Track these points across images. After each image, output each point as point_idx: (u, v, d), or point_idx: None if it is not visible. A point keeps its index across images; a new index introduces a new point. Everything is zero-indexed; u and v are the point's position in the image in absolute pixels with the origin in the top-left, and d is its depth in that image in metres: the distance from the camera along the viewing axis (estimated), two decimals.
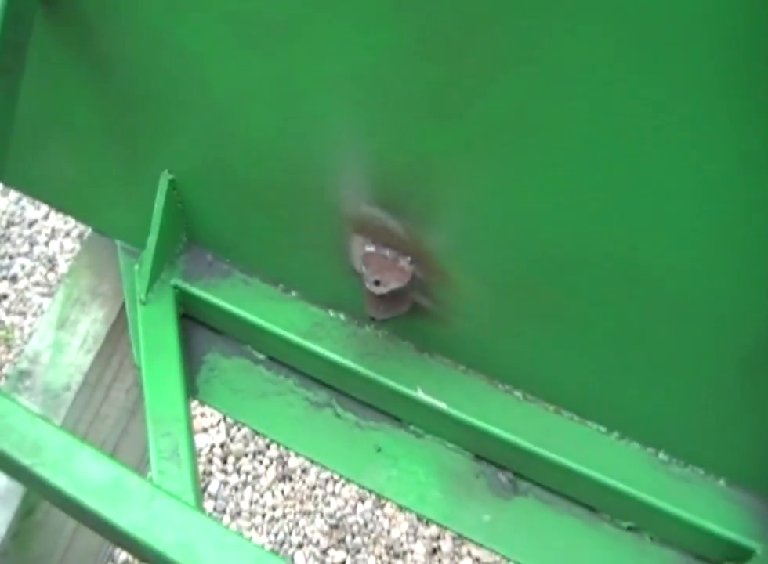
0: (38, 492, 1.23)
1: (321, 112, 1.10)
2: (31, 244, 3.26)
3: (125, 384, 1.76)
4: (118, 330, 1.66)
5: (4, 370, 2.94)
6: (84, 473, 1.04)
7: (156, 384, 1.34)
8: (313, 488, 2.65)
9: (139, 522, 1.01)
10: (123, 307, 1.57)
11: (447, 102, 0.98)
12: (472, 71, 0.93)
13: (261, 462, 2.71)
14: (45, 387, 1.60)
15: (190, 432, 1.30)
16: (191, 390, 1.42)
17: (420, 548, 2.51)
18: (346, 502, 2.61)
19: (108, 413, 1.73)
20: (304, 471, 2.68)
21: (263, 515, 2.61)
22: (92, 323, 1.65)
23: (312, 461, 1.41)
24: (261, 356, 1.46)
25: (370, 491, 1.37)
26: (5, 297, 3.14)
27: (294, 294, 1.41)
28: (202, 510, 1.19)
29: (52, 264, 3.21)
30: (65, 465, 1.05)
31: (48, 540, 1.65)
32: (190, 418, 1.32)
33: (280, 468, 2.69)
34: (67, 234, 3.28)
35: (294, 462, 2.70)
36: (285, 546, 2.55)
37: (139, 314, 1.41)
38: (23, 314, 3.08)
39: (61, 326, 1.64)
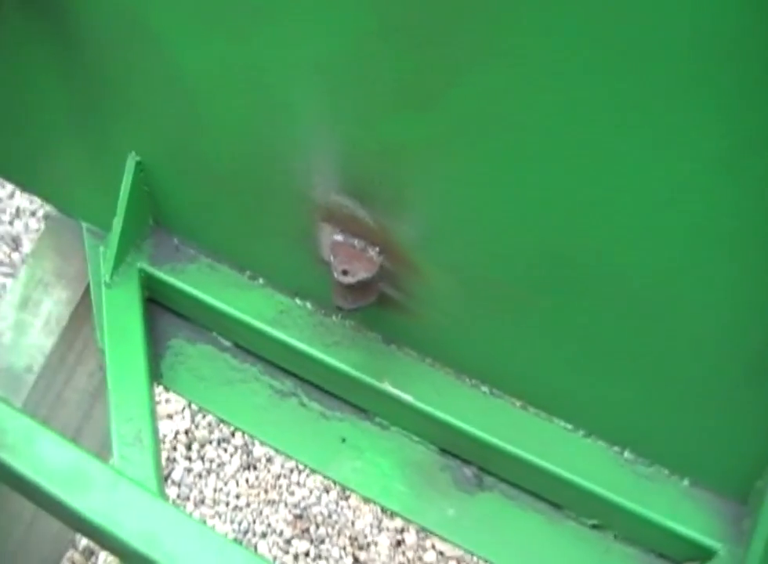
0: None
1: (290, 99, 1.09)
2: None
3: (88, 367, 1.74)
4: (82, 313, 1.64)
5: None
6: (44, 457, 1.04)
7: (119, 368, 1.32)
8: (278, 477, 2.64)
9: (99, 508, 1.01)
10: (87, 289, 1.55)
11: (416, 91, 0.97)
12: (442, 61, 0.92)
13: (225, 450, 2.69)
14: (5, 368, 1.57)
15: (154, 418, 1.29)
16: (155, 375, 1.41)
17: (384, 540, 2.50)
18: (311, 492, 2.60)
19: (70, 396, 1.71)
20: (269, 460, 2.67)
21: (227, 504, 2.59)
22: (55, 304, 1.62)
23: (276, 451, 1.40)
24: (227, 343, 1.45)
25: (334, 482, 1.36)
26: None
27: (260, 281, 1.39)
28: (164, 496, 1.18)
29: (16, 244, 3.16)
30: (25, 449, 1.04)
31: (5, 525, 1.63)
32: (153, 403, 1.31)
33: (244, 457, 2.68)
34: (33, 214, 3.23)
35: (259, 451, 2.68)
36: (249, 535, 2.53)
37: (104, 297, 1.39)
38: None
39: (23, 306, 1.62)
